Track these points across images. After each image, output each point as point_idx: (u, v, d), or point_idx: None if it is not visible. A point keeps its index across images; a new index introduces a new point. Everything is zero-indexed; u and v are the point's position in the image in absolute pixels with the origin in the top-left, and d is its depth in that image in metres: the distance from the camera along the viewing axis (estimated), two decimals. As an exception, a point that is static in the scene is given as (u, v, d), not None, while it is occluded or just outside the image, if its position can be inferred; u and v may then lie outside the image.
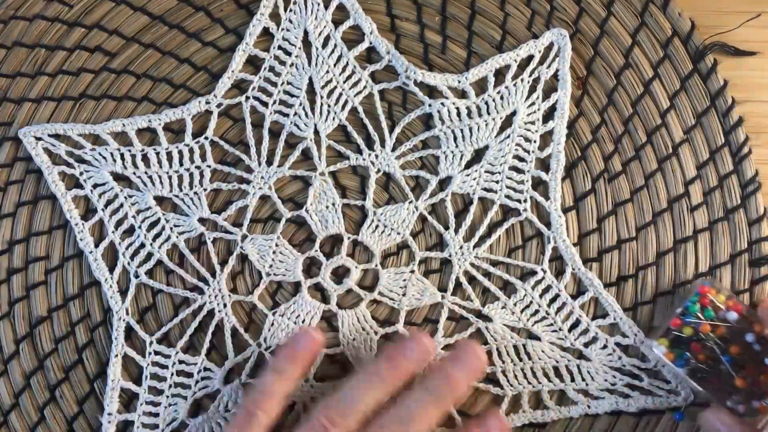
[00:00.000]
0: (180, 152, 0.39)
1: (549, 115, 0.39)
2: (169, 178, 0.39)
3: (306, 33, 0.40)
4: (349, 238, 0.39)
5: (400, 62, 0.39)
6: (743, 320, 0.35)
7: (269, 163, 0.39)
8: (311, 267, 0.39)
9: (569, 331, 0.37)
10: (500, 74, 0.39)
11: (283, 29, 0.40)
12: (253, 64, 0.40)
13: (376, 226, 0.39)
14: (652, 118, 0.39)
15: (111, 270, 0.39)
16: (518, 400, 0.37)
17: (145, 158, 0.39)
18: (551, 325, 0.37)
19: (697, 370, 0.34)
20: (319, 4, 0.40)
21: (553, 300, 0.38)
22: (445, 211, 0.39)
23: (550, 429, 0.37)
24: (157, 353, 0.38)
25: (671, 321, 0.35)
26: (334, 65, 0.40)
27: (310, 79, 0.40)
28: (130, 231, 0.39)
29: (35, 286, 0.39)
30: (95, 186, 0.39)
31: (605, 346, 0.37)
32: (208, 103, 0.39)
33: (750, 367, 0.34)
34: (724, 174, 0.38)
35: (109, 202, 0.39)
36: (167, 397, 0.38)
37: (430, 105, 0.39)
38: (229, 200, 0.39)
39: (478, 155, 0.39)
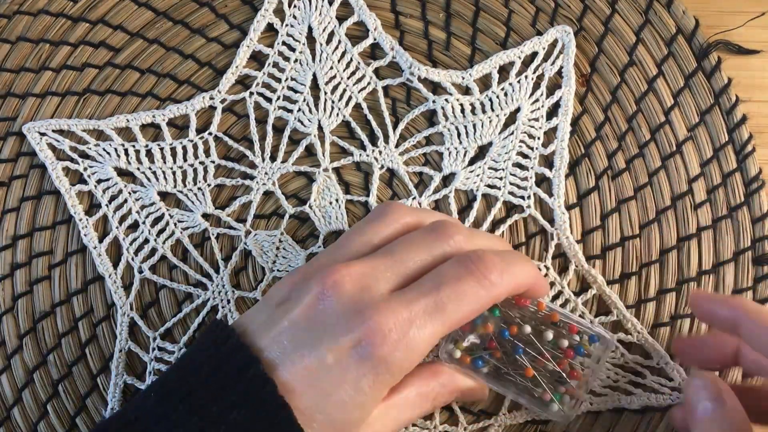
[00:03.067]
0: (184, 148, 0.39)
1: (552, 112, 0.39)
2: (173, 173, 0.39)
3: (310, 29, 0.40)
4: (352, 234, 0.39)
5: (404, 58, 0.39)
6: (525, 312, 0.34)
7: (273, 158, 0.39)
8: (315, 263, 0.39)
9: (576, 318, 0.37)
10: (504, 71, 0.39)
11: (287, 25, 0.40)
12: (257, 60, 0.40)
13: (380, 223, 0.39)
14: (655, 116, 0.39)
15: (115, 265, 0.39)
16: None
17: (149, 154, 0.39)
18: (554, 321, 0.37)
19: (498, 369, 0.33)
20: (323, 1, 0.40)
21: (556, 297, 0.38)
22: (448, 207, 0.39)
23: (553, 426, 0.38)
24: (160, 349, 0.38)
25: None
26: (338, 61, 0.40)
27: (314, 75, 0.40)
28: (134, 226, 0.39)
29: (39, 281, 0.39)
30: (99, 181, 0.39)
31: (608, 344, 0.37)
32: (212, 98, 0.39)
33: (546, 356, 0.33)
34: (728, 172, 0.38)
35: (113, 198, 0.39)
36: (170, 392, 0.38)
37: (434, 101, 0.39)
38: (232, 196, 0.39)
39: (482, 152, 0.39)
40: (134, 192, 0.39)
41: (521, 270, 0.31)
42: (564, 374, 0.33)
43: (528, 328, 0.33)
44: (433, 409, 0.32)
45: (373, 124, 0.39)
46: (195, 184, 0.39)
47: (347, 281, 0.28)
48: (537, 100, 0.39)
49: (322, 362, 0.27)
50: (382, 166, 0.39)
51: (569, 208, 0.38)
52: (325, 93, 0.39)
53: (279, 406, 0.26)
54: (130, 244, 0.39)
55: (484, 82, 0.39)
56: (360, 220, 0.31)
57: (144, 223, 0.39)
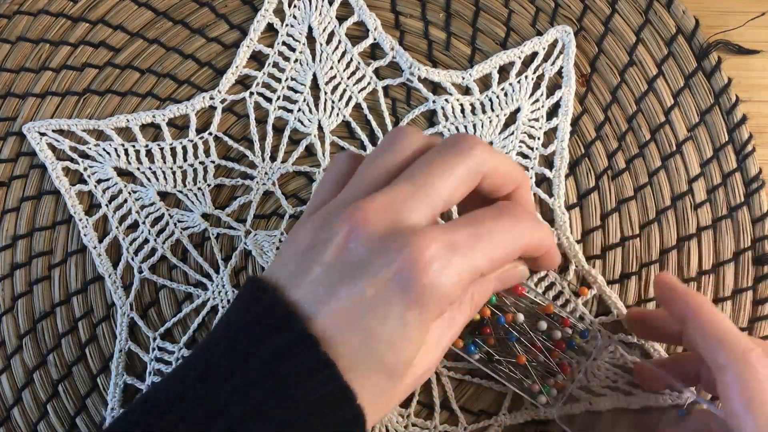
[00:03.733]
0: (184, 148, 0.39)
1: (553, 113, 0.39)
2: (173, 173, 0.39)
3: (310, 29, 0.40)
4: (352, 234, 0.39)
5: (404, 59, 0.39)
6: (522, 302, 0.34)
7: (273, 158, 0.39)
8: (315, 263, 0.39)
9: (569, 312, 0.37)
10: (504, 71, 0.39)
11: (287, 25, 0.40)
12: (258, 60, 0.40)
13: (380, 223, 0.39)
14: (655, 116, 0.39)
15: (115, 265, 0.39)
16: (520, 397, 0.37)
17: (149, 154, 0.39)
18: (554, 321, 0.37)
19: (490, 356, 0.34)
20: (323, 1, 0.40)
21: (556, 297, 0.38)
22: (448, 207, 0.39)
23: (552, 426, 0.37)
24: (161, 349, 0.38)
25: None
26: (338, 61, 0.40)
27: (314, 75, 0.40)
28: (134, 226, 0.39)
29: (39, 282, 0.39)
30: (99, 181, 0.39)
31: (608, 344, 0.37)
32: (212, 98, 0.39)
33: (538, 346, 0.34)
34: (728, 172, 0.38)
35: (113, 198, 0.39)
36: (170, 392, 0.37)
37: (434, 101, 0.39)
38: (232, 196, 0.39)
39: (482, 152, 0.39)
40: (134, 192, 0.39)
41: (547, 230, 0.29)
42: (554, 365, 0.33)
43: (522, 317, 0.33)
44: (474, 312, 0.30)
45: (373, 124, 0.39)
46: (195, 184, 0.39)
47: (373, 215, 0.26)
48: (537, 101, 0.39)
49: (362, 299, 0.25)
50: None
51: (569, 208, 0.38)
52: (325, 93, 0.39)
53: (321, 363, 0.24)
54: (130, 244, 0.39)
55: (484, 82, 0.39)
56: (371, 152, 0.29)
57: (144, 223, 0.39)
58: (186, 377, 0.26)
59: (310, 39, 0.40)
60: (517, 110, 0.39)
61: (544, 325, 0.33)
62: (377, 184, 0.27)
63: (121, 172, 0.39)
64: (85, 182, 0.39)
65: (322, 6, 0.40)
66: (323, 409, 0.25)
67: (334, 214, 0.26)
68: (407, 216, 0.26)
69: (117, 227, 0.39)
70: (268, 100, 0.40)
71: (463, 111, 0.39)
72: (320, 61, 0.40)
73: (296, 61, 0.40)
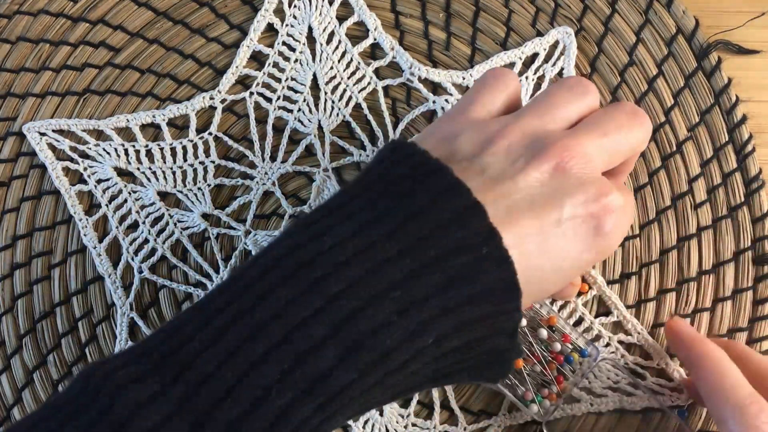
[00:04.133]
0: (184, 148, 0.39)
1: (553, 113, 0.39)
2: (173, 173, 0.39)
3: (310, 29, 0.40)
4: (352, 234, 0.39)
5: (405, 59, 0.39)
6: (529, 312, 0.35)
7: (273, 158, 0.39)
8: (315, 263, 0.39)
9: (572, 328, 0.37)
10: (504, 71, 0.39)
11: (287, 25, 0.40)
12: (257, 60, 0.40)
13: (380, 223, 0.39)
14: (656, 116, 0.39)
15: (115, 265, 0.39)
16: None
17: (149, 154, 0.39)
18: (554, 322, 0.37)
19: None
20: (323, 1, 0.40)
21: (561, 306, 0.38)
22: (448, 207, 0.39)
23: (553, 427, 0.37)
24: (160, 348, 0.38)
25: None
26: (338, 61, 0.40)
27: (314, 75, 0.40)
28: (134, 226, 0.39)
29: (38, 282, 0.39)
30: (99, 181, 0.39)
31: (608, 344, 0.37)
32: (212, 98, 0.39)
33: (537, 355, 0.34)
34: (728, 172, 0.38)
35: (112, 198, 0.39)
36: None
37: (434, 102, 0.39)
38: (232, 196, 0.39)
39: (482, 152, 0.39)
40: (134, 192, 0.39)
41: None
42: (549, 376, 0.33)
43: (524, 321, 0.33)
44: None
45: (373, 124, 0.39)
46: (195, 184, 0.39)
47: (581, 156, 0.26)
48: (537, 100, 0.39)
49: (559, 225, 0.25)
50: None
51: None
52: (325, 93, 0.39)
53: (502, 259, 0.24)
54: (130, 244, 0.39)
55: (484, 82, 0.39)
56: (553, 86, 0.29)
57: (144, 223, 0.39)
58: (345, 239, 0.24)
59: (310, 39, 0.40)
60: (517, 110, 0.39)
61: (544, 333, 0.33)
62: (569, 122, 0.28)
63: (121, 172, 0.39)
64: (85, 182, 0.39)
65: (322, 6, 0.40)
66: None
67: (543, 138, 0.26)
68: (598, 166, 0.27)
69: (117, 227, 0.39)
70: (268, 100, 0.40)
71: (463, 111, 0.39)
72: (320, 61, 0.40)
73: (296, 61, 0.40)
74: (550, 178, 0.26)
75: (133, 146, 0.39)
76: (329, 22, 0.40)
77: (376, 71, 0.40)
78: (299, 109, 0.39)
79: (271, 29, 0.40)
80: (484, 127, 0.27)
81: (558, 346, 0.34)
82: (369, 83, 0.40)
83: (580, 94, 0.29)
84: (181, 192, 0.39)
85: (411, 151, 0.26)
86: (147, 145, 0.39)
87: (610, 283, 0.38)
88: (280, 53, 0.40)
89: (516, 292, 0.24)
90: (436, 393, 0.37)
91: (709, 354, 0.32)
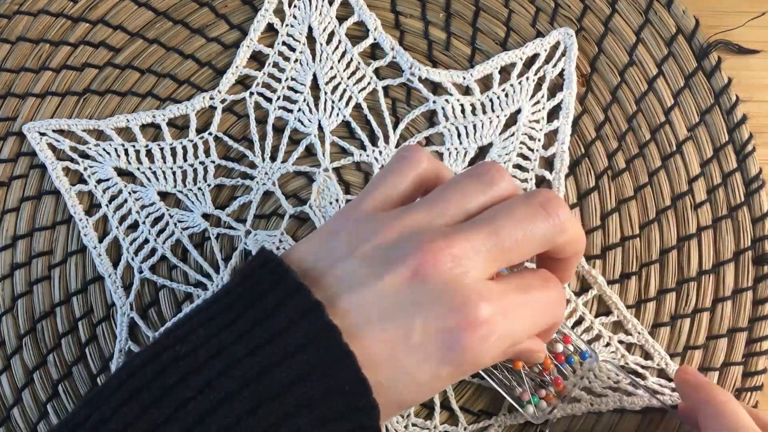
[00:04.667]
0: (184, 148, 0.39)
1: (553, 114, 0.39)
2: (173, 173, 0.39)
3: (310, 29, 0.40)
4: (352, 234, 0.39)
5: (405, 59, 0.39)
6: None
7: (273, 158, 0.39)
8: (315, 263, 0.39)
9: (572, 328, 0.37)
10: (505, 72, 0.39)
11: (287, 25, 0.40)
12: (258, 60, 0.40)
13: (380, 223, 0.39)
14: (656, 116, 0.39)
15: (115, 265, 0.39)
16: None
17: (149, 154, 0.39)
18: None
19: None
20: (323, 1, 0.40)
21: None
22: (448, 207, 0.39)
23: (553, 428, 0.37)
24: (160, 349, 0.38)
25: None
26: (338, 61, 0.40)
27: (314, 75, 0.40)
28: (134, 226, 0.39)
29: (39, 282, 0.39)
30: (99, 181, 0.39)
31: (608, 344, 0.37)
32: (212, 98, 0.39)
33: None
34: (728, 171, 0.38)
35: (113, 198, 0.39)
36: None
37: (434, 102, 0.39)
38: (232, 196, 0.39)
39: (482, 152, 0.39)
40: (134, 192, 0.39)
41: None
42: (548, 378, 0.33)
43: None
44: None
45: (374, 124, 0.39)
46: (195, 184, 0.39)
47: (448, 261, 0.25)
48: (538, 102, 0.39)
49: (408, 339, 0.25)
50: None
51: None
52: (325, 93, 0.39)
53: (344, 355, 0.24)
54: (130, 244, 0.39)
55: (485, 83, 0.39)
56: (459, 176, 0.28)
57: (144, 223, 0.39)
58: (197, 346, 0.25)
59: (310, 39, 0.40)
60: (518, 111, 0.39)
61: None
62: (455, 219, 0.27)
63: (121, 172, 0.39)
64: (85, 182, 0.39)
65: (322, 6, 0.40)
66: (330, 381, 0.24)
67: (409, 240, 0.26)
68: (477, 271, 0.25)
69: (117, 227, 0.39)
70: (268, 100, 0.40)
71: (463, 111, 0.39)
72: (320, 61, 0.40)
73: (296, 61, 0.40)
74: (407, 286, 0.25)
75: (133, 146, 0.39)
76: (329, 22, 0.40)
77: (376, 71, 0.40)
78: (299, 109, 0.39)
79: (271, 29, 0.40)
80: (365, 225, 0.27)
81: (560, 347, 0.34)
82: (369, 83, 0.40)
83: (486, 183, 0.27)
84: (182, 192, 0.39)
85: (268, 259, 0.26)
86: (147, 145, 0.39)
87: (610, 283, 0.38)
88: (280, 53, 0.40)
89: (365, 389, 0.24)
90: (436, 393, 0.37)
91: (715, 398, 0.31)
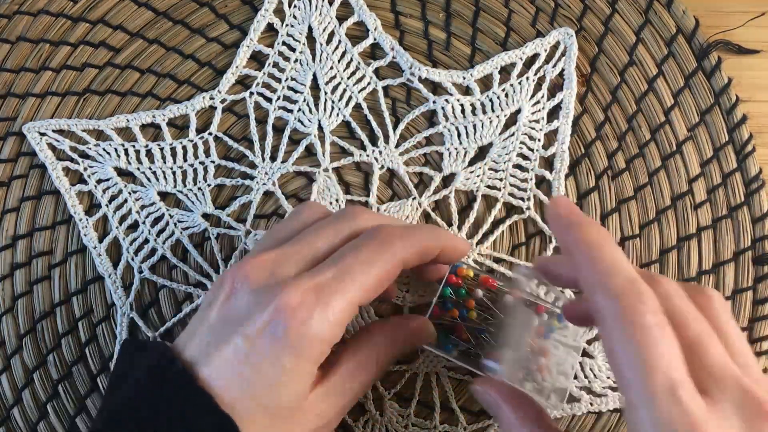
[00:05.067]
0: (184, 148, 0.39)
1: (553, 114, 0.39)
2: (173, 173, 0.39)
3: (310, 29, 0.40)
4: (352, 234, 0.39)
5: (405, 59, 0.39)
6: (497, 292, 0.34)
7: (273, 158, 0.39)
8: (315, 263, 0.39)
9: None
10: (505, 72, 0.39)
11: (287, 25, 0.40)
12: (257, 60, 0.40)
13: (380, 223, 0.39)
14: (656, 116, 0.39)
15: (115, 265, 0.39)
16: (521, 397, 0.37)
17: (149, 154, 0.39)
18: (555, 322, 0.37)
19: (467, 351, 0.34)
20: (323, 1, 0.40)
21: (557, 297, 0.38)
22: (448, 207, 0.39)
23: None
24: (160, 349, 0.38)
25: (431, 311, 0.34)
26: (338, 61, 0.40)
27: (314, 75, 0.40)
28: (134, 226, 0.39)
29: (39, 281, 0.39)
30: (99, 181, 0.39)
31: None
32: (212, 98, 0.39)
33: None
34: (728, 171, 0.38)
35: (113, 198, 0.39)
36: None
37: (434, 102, 0.39)
38: (232, 196, 0.39)
39: (482, 152, 0.39)
40: (134, 192, 0.39)
41: (423, 234, 0.31)
42: (484, 326, 0.33)
43: (480, 292, 0.33)
44: (381, 372, 0.32)
45: (373, 124, 0.39)
46: (195, 184, 0.39)
47: (256, 270, 0.28)
48: (538, 102, 0.39)
49: (238, 350, 0.27)
50: (382, 166, 0.39)
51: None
52: (325, 93, 0.39)
53: (199, 393, 0.27)
54: (130, 244, 0.39)
55: (485, 83, 0.39)
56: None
57: (144, 223, 0.39)
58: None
59: (310, 39, 0.40)
60: (518, 111, 0.39)
61: (510, 299, 0.33)
62: (270, 248, 0.30)
63: (121, 172, 0.39)
64: (85, 182, 0.39)
65: (322, 6, 0.40)
66: None
67: (226, 273, 0.29)
68: (286, 270, 0.28)
69: (117, 227, 0.39)
70: (268, 100, 0.40)
71: (463, 111, 0.39)
72: (320, 61, 0.40)
73: (296, 61, 0.40)
74: (226, 308, 0.28)
75: (133, 146, 0.39)
76: (329, 22, 0.40)
77: (376, 71, 0.40)
78: (299, 109, 0.39)
79: (271, 29, 0.40)
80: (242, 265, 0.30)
81: (536, 321, 0.33)
82: (369, 83, 0.40)
83: (288, 219, 0.32)
84: (182, 192, 0.39)
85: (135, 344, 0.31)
86: (147, 145, 0.39)
87: (610, 283, 0.38)
88: (280, 53, 0.40)
89: (221, 417, 0.26)
90: (436, 393, 0.37)
91: (589, 236, 0.26)
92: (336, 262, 0.28)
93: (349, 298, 0.28)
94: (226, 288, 0.28)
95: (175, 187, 0.39)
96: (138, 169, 0.39)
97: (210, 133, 0.39)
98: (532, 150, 0.39)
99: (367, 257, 0.28)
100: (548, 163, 0.39)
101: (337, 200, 0.39)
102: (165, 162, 0.39)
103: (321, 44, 0.40)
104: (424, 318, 0.33)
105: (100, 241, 0.39)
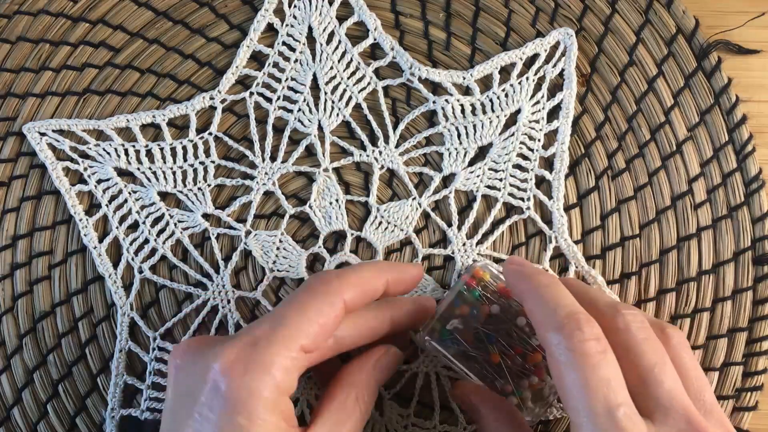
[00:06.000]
0: (184, 148, 0.39)
1: (553, 114, 0.39)
2: (173, 173, 0.39)
3: (310, 29, 0.40)
4: (352, 234, 0.39)
5: (405, 59, 0.39)
6: (511, 303, 0.34)
7: (273, 159, 0.39)
8: (315, 263, 0.39)
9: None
10: (505, 72, 0.39)
11: (287, 25, 0.40)
12: (258, 60, 0.40)
13: (380, 223, 0.39)
14: (655, 116, 0.39)
15: (115, 265, 0.39)
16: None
17: (149, 154, 0.39)
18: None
19: (467, 352, 0.34)
20: (323, 1, 0.40)
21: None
22: (448, 207, 0.39)
23: (554, 427, 0.38)
24: (160, 349, 0.38)
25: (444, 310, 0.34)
26: (338, 61, 0.40)
27: (314, 75, 0.40)
28: (134, 226, 0.39)
29: (39, 281, 0.39)
30: (99, 181, 0.39)
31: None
32: (212, 98, 0.39)
33: (517, 347, 0.33)
34: (728, 172, 0.38)
35: (113, 198, 0.39)
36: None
37: (434, 102, 0.39)
38: (233, 196, 0.39)
39: (482, 152, 0.39)
40: (134, 192, 0.39)
41: (362, 270, 0.31)
42: (529, 368, 0.33)
43: (497, 308, 0.33)
44: (366, 411, 0.31)
45: (373, 124, 0.39)
46: (195, 184, 0.39)
47: (184, 354, 0.29)
48: (538, 102, 0.39)
49: (198, 428, 0.27)
50: (382, 167, 0.39)
51: (569, 208, 0.38)
52: (325, 93, 0.39)
53: None
54: (130, 244, 0.39)
55: (485, 83, 0.39)
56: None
57: (144, 223, 0.39)
58: None
59: (310, 39, 0.40)
60: (518, 111, 0.39)
61: (523, 320, 0.33)
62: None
63: (121, 172, 0.39)
64: (85, 182, 0.39)
65: (322, 6, 0.40)
66: None
67: None
68: (215, 342, 0.28)
69: (117, 227, 0.39)
70: (268, 100, 0.40)
71: (463, 111, 0.39)
72: (320, 61, 0.40)
73: (296, 61, 0.40)
74: (175, 387, 0.30)
75: (133, 146, 0.39)
76: (329, 22, 0.40)
77: (376, 71, 0.40)
78: (299, 109, 0.39)
79: (271, 29, 0.40)
80: None
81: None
82: (369, 83, 0.40)
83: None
84: (182, 192, 0.39)
85: None
86: (147, 145, 0.39)
87: (610, 283, 0.38)
88: (280, 53, 0.40)
89: None
90: (436, 393, 0.37)
91: (538, 282, 0.29)
92: (272, 314, 0.29)
93: (287, 344, 0.27)
94: (171, 374, 0.30)
95: (175, 187, 0.39)
96: (138, 169, 0.39)
97: (210, 133, 0.39)
98: (532, 150, 0.39)
99: (300, 302, 0.29)
100: (548, 163, 0.39)
101: (337, 200, 0.39)
102: (165, 162, 0.39)
103: (321, 44, 0.40)
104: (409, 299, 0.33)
105: (100, 241, 0.39)
